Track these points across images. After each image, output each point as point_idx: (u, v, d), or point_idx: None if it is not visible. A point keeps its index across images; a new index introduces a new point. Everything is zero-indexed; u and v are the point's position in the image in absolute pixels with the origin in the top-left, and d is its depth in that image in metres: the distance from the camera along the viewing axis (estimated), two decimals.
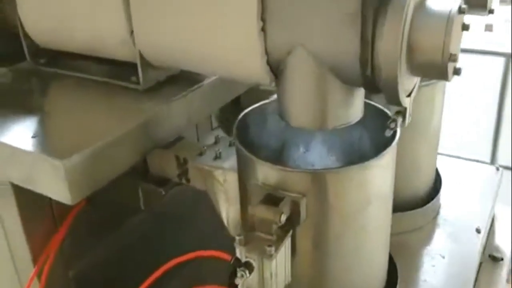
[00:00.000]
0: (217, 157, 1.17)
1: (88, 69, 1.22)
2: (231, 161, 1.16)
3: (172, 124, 1.12)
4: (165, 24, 1.01)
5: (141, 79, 1.10)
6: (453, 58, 0.82)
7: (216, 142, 1.24)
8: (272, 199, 0.92)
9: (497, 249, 1.59)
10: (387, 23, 0.79)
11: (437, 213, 1.54)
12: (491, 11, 1.25)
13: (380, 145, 1.00)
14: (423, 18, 0.82)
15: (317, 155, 1.22)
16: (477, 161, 2.94)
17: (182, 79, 1.17)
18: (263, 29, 0.89)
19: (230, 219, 1.20)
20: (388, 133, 0.91)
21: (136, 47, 1.07)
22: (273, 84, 0.97)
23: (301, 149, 1.23)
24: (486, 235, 1.51)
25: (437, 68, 0.83)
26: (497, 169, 1.80)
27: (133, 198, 1.26)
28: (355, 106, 0.95)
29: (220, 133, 1.58)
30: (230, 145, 1.22)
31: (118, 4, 1.04)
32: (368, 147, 1.15)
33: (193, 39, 0.99)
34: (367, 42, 0.82)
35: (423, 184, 1.53)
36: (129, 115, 1.06)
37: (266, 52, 0.91)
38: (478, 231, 1.49)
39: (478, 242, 1.46)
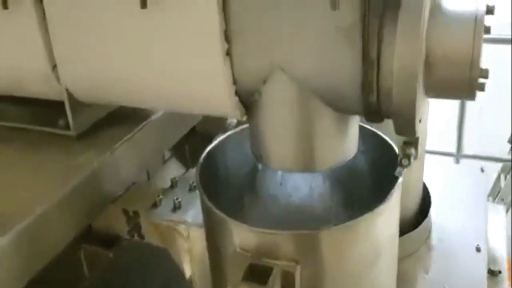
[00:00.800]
0: (176, 207, 0.96)
1: (5, 114, 0.97)
2: (194, 211, 0.94)
3: (120, 175, 0.89)
4: (97, 52, 0.77)
5: (71, 123, 0.86)
6: (484, 73, 0.62)
7: (172, 186, 1.01)
8: (257, 272, 0.70)
9: (493, 260, 1.42)
10: (400, 33, 0.59)
11: (429, 232, 1.36)
12: None
13: (376, 164, 0.86)
14: (443, 23, 0.61)
15: (299, 178, 1.01)
16: (448, 153, 2.84)
17: (124, 116, 0.93)
18: (228, 53, 0.67)
19: (197, 278, 0.99)
20: (400, 172, 0.70)
21: (62, 84, 0.83)
22: (244, 117, 0.75)
23: (279, 173, 1.01)
24: (487, 252, 1.33)
25: (464, 86, 0.63)
26: (482, 170, 1.64)
27: (74, 265, 1.02)
28: (350, 139, 0.75)
29: (175, 166, 1.35)
30: (190, 189, 1.00)
31: (35, 30, 0.80)
32: (362, 165, 0.95)
33: (137, 69, 0.75)
34: (371, 61, 0.61)
35: (411, 203, 1.33)
36: (62, 174, 0.82)
37: (234, 81, 0.70)
38: (478, 249, 1.31)
39: (481, 263, 1.28)
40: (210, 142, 1.32)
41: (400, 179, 0.76)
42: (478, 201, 1.48)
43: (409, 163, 0.69)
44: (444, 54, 0.61)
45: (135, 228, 1.00)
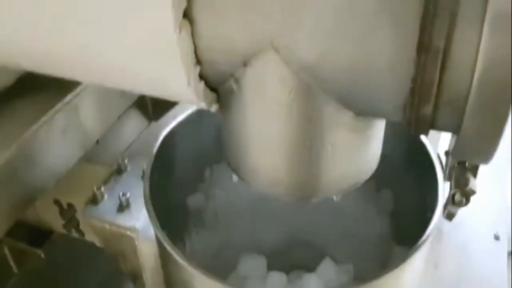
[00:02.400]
0: (123, 205, 0.71)
1: None
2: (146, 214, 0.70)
3: (48, 163, 0.64)
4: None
5: None
6: None
7: (120, 171, 0.76)
8: None
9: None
10: (494, 3, 0.32)
11: None
12: None
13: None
14: None
15: None
16: None
17: (49, 81, 0.65)
18: (188, 15, 0.40)
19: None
20: (452, 214, 0.46)
21: None
22: (214, 108, 0.49)
23: None
24: (507, 241, 1.11)
25: None
26: None
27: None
28: (372, 152, 0.50)
29: (134, 120, 1.06)
30: (143, 177, 0.75)
31: None
32: None
33: (53, 26, 0.48)
34: (434, 51, 0.35)
35: None
36: None
37: (198, 59, 0.43)
38: (496, 237, 1.09)
39: (500, 254, 1.06)
40: None
41: (433, 225, 0.53)
42: (498, 171, 1.23)
43: (467, 203, 0.44)
44: None
45: (72, 222, 0.77)
